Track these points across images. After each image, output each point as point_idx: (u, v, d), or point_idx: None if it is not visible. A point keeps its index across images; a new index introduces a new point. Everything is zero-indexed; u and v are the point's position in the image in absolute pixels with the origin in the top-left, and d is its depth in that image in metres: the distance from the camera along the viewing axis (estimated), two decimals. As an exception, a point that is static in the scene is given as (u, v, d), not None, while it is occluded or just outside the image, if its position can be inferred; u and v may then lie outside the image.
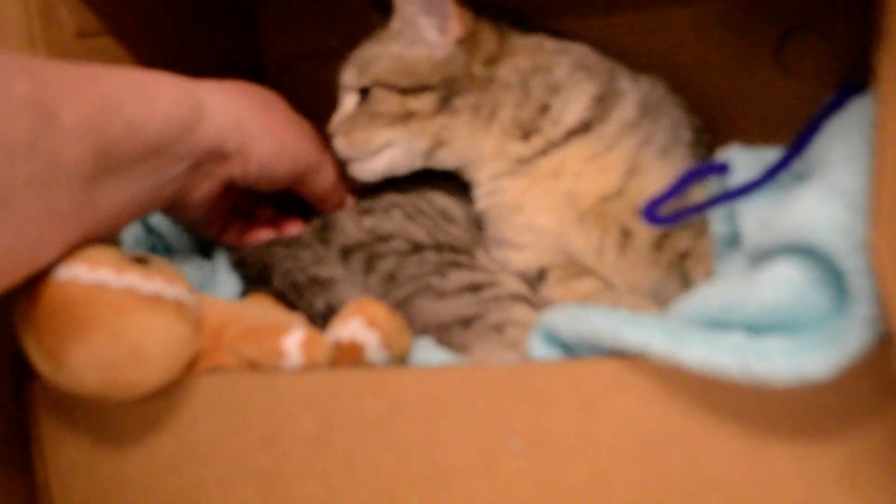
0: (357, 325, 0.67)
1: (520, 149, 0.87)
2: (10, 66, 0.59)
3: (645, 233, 0.80)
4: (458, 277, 0.79)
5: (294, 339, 0.64)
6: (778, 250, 0.53)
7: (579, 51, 0.90)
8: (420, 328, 0.77)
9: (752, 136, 0.81)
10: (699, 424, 0.57)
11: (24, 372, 0.66)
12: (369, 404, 0.62)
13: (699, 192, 0.73)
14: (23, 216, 0.58)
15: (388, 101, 0.88)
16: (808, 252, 0.52)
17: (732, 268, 0.59)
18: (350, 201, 0.93)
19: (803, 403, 0.55)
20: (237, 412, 0.64)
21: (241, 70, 1.10)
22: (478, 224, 0.91)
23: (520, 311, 0.77)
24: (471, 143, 0.88)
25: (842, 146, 0.55)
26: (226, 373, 0.65)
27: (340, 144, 0.90)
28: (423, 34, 0.88)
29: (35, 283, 0.62)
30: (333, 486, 0.63)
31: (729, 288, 0.55)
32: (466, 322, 0.77)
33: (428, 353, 0.71)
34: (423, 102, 0.87)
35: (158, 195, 0.71)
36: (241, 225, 0.89)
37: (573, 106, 0.86)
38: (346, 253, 0.83)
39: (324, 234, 0.86)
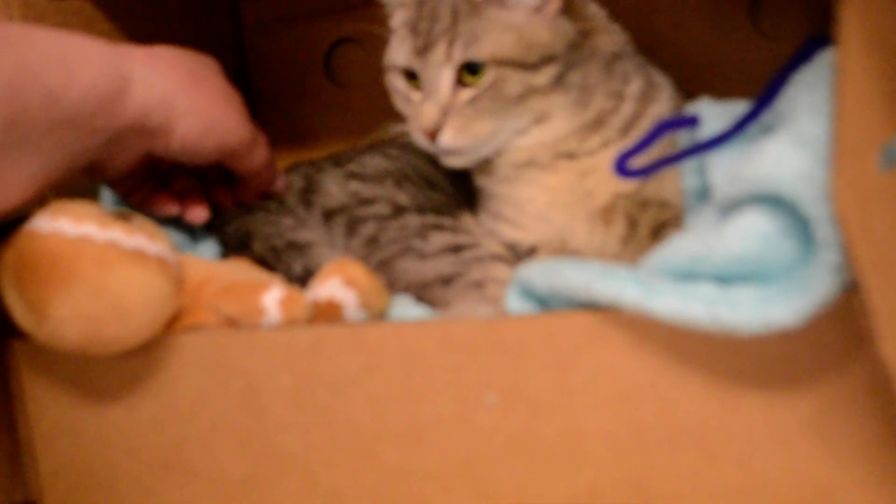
0: (335, 285, 0.67)
1: (578, 144, 0.82)
2: None
3: (647, 221, 0.81)
4: (439, 239, 0.80)
5: (273, 296, 0.65)
6: (746, 201, 0.54)
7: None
8: (401, 287, 0.77)
9: (728, 95, 0.82)
10: (671, 376, 0.58)
11: (5, 330, 0.67)
12: (347, 360, 0.63)
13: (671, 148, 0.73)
14: None
15: (512, 82, 0.79)
16: (774, 201, 0.52)
17: (703, 220, 0.60)
18: (281, 180, 0.90)
19: (772, 354, 0.55)
20: (217, 369, 0.65)
21: (218, 33, 1.10)
22: (464, 185, 0.91)
23: (499, 270, 0.77)
24: (560, 126, 0.81)
25: (808, 97, 0.56)
26: (206, 330, 0.66)
27: (450, 138, 0.80)
28: (527, 3, 0.79)
29: (18, 236, 0.62)
30: (312, 441, 0.64)
31: (699, 239, 0.56)
32: (447, 280, 0.77)
33: (405, 309, 0.72)
34: (545, 76, 0.79)
35: (69, 167, 0.68)
36: (150, 189, 0.86)
37: (629, 102, 0.83)
38: (329, 216, 0.84)
39: (307, 197, 0.87)
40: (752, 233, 0.53)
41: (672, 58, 0.91)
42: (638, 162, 0.68)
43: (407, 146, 0.92)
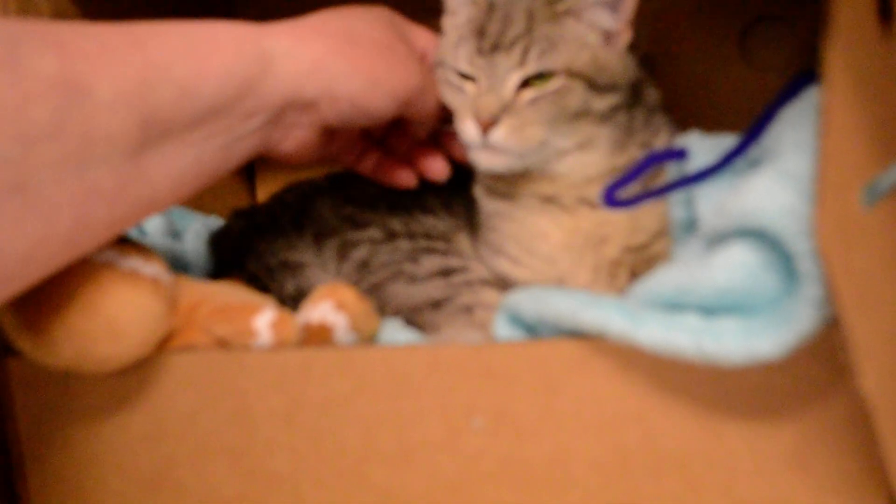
0: (327, 308, 0.68)
1: (601, 191, 0.78)
2: (33, 41, 0.54)
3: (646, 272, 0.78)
4: (430, 263, 0.80)
5: (265, 318, 0.66)
6: (732, 234, 0.55)
7: None
8: (392, 311, 0.78)
9: (718, 126, 0.83)
10: (656, 404, 0.58)
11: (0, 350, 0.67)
12: (337, 382, 0.63)
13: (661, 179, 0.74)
14: (52, 201, 0.54)
15: (575, 96, 0.76)
16: (759, 236, 0.53)
17: (689, 251, 0.61)
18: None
19: (756, 385, 0.56)
20: (208, 389, 0.65)
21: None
22: (461, 210, 0.90)
23: (489, 295, 0.78)
24: (596, 161, 0.78)
25: (794, 133, 0.57)
26: (198, 351, 0.66)
27: (503, 135, 0.76)
28: (603, 25, 0.77)
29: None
30: (302, 462, 0.65)
31: (684, 271, 0.57)
32: (437, 304, 0.78)
33: (395, 333, 0.73)
34: (605, 102, 0.77)
35: (230, 155, 0.67)
36: (378, 155, 0.85)
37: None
38: (320, 239, 0.84)
39: (299, 220, 0.87)
40: (737, 266, 0.54)
41: (662, 87, 0.91)
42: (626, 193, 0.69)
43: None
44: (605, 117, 0.77)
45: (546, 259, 0.80)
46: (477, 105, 0.76)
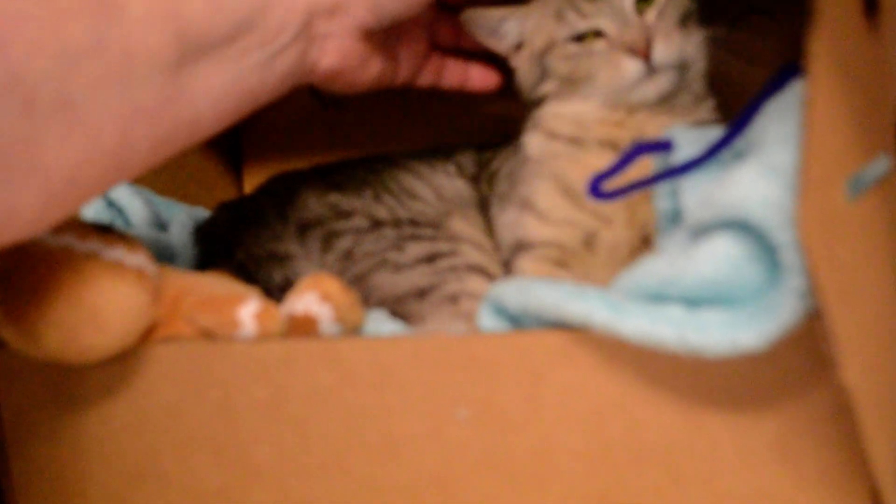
0: (311, 299, 0.68)
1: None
2: None
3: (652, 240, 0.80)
4: (415, 249, 0.80)
5: (249, 309, 0.66)
6: (716, 226, 0.55)
7: None
8: (376, 302, 0.78)
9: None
10: (640, 395, 0.59)
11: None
12: (321, 374, 0.63)
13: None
14: (96, 118, 0.54)
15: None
16: (743, 227, 0.53)
17: (674, 242, 0.61)
18: None
19: (739, 376, 0.57)
20: (193, 380, 0.65)
21: None
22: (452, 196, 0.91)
23: (475, 283, 0.78)
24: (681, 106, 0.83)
25: (778, 126, 0.57)
26: (182, 341, 0.66)
27: (664, 49, 0.79)
28: None
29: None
30: (286, 453, 0.65)
31: (669, 262, 0.57)
32: (422, 293, 0.78)
33: (380, 324, 0.73)
34: (693, 5, 0.84)
35: (268, 75, 0.66)
36: (447, 61, 0.84)
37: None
38: (304, 229, 0.84)
39: (283, 210, 0.87)
40: (721, 257, 0.54)
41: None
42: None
43: (394, 161, 0.92)
44: (698, 25, 0.83)
45: (574, 210, 0.82)
46: (623, 39, 0.79)
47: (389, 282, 0.79)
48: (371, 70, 0.75)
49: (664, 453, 0.59)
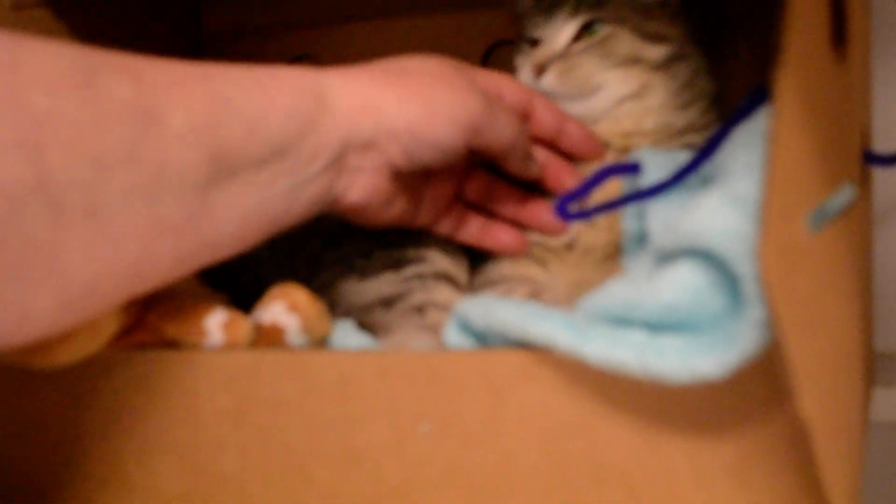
0: (279, 309, 0.68)
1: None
2: (108, 68, 0.54)
3: None
4: (381, 255, 0.80)
5: (216, 319, 0.66)
6: (680, 253, 0.55)
7: None
8: (343, 311, 0.78)
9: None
10: (600, 417, 0.59)
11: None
12: (286, 385, 0.64)
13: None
14: (122, 229, 0.53)
15: (624, 42, 0.82)
16: (706, 256, 0.54)
17: (640, 265, 0.61)
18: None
19: (698, 401, 0.57)
20: (158, 388, 0.65)
21: (177, 44, 1.10)
22: None
23: (442, 293, 0.78)
24: (656, 117, 0.82)
25: (744, 155, 0.58)
26: (148, 350, 0.66)
27: (552, 79, 0.81)
28: None
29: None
30: (249, 462, 0.65)
31: (633, 286, 0.57)
32: (388, 302, 0.78)
33: (346, 337, 0.73)
34: (655, 53, 0.83)
35: (294, 202, 0.65)
36: (481, 219, 0.82)
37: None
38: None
39: None
40: (683, 285, 0.54)
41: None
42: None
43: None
44: (659, 67, 0.82)
45: None
46: (534, 56, 0.82)
47: (355, 289, 0.79)
48: (394, 209, 0.75)
49: (623, 473, 0.60)
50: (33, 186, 0.48)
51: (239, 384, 0.64)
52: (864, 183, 0.76)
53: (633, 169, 0.66)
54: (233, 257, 0.64)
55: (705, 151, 0.62)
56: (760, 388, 0.56)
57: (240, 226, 0.61)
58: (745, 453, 0.57)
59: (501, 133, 0.73)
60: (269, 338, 0.67)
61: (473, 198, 0.83)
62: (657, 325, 0.56)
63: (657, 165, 0.66)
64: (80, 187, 0.50)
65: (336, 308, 0.78)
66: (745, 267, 0.51)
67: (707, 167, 0.63)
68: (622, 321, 0.57)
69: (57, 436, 0.68)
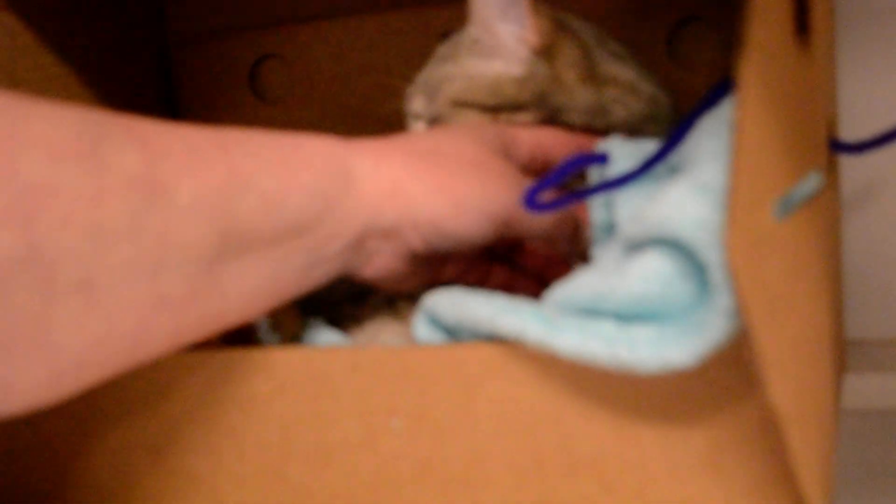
0: (249, 306, 0.68)
1: None
2: (117, 136, 0.51)
3: None
4: None
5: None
6: (648, 242, 0.55)
7: None
8: (314, 306, 0.78)
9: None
10: (572, 409, 0.59)
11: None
12: (257, 382, 0.63)
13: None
14: (118, 303, 0.51)
15: (475, 120, 0.81)
16: (674, 245, 0.54)
17: (608, 255, 0.61)
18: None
19: (670, 391, 0.57)
20: (129, 386, 0.65)
21: (142, 46, 1.10)
22: None
23: None
24: None
25: (710, 144, 0.58)
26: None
27: (410, 105, 0.84)
28: (501, 42, 0.81)
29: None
30: (221, 461, 0.65)
31: (601, 277, 0.57)
32: (359, 296, 0.78)
33: (317, 334, 0.73)
34: (526, 118, 0.80)
35: (307, 278, 0.64)
36: (507, 271, 0.80)
37: None
38: None
39: None
40: (651, 275, 0.54)
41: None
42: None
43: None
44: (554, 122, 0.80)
45: None
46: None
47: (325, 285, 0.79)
48: (411, 282, 0.73)
49: (596, 465, 0.60)
50: (23, 258, 0.46)
51: (209, 382, 0.64)
52: (831, 171, 0.76)
53: (600, 159, 0.66)
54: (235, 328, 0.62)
55: (672, 141, 0.62)
56: (731, 377, 0.56)
57: (247, 300, 0.60)
58: (718, 443, 0.57)
59: (534, 225, 0.72)
60: (239, 335, 0.67)
61: (499, 251, 0.81)
62: (627, 316, 0.56)
63: (625, 155, 0.66)
64: (73, 260, 0.48)
65: (307, 304, 0.77)
66: (712, 255, 0.51)
67: (674, 157, 0.63)
68: (591, 312, 0.57)
69: (24, 438, 0.68)
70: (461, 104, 0.81)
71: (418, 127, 0.86)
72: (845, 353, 0.92)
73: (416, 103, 0.86)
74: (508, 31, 0.80)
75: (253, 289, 0.59)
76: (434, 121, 0.84)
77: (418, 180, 0.66)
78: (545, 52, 0.80)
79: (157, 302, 0.53)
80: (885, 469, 0.69)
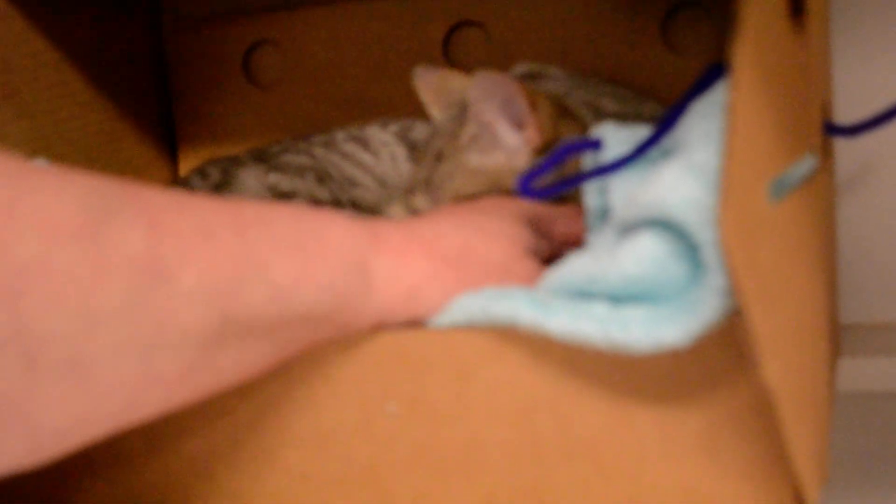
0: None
1: None
2: (124, 214, 0.49)
3: None
4: None
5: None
6: (641, 224, 0.55)
7: None
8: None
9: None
10: (568, 392, 0.59)
11: None
12: (252, 368, 0.63)
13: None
14: (105, 383, 0.49)
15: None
16: (667, 226, 0.54)
17: (602, 240, 0.61)
18: None
19: (665, 373, 0.57)
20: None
21: (136, 32, 1.09)
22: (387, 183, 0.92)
23: None
24: None
25: (703, 125, 0.58)
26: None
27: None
28: (501, 139, 0.80)
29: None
30: (217, 447, 0.65)
31: (595, 260, 0.57)
32: None
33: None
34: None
35: (306, 348, 0.61)
36: None
37: None
38: None
39: (220, 192, 0.87)
40: (645, 255, 0.54)
41: (584, 69, 0.92)
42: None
43: (332, 147, 0.92)
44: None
45: None
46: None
47: None
48: None
49: (592, 448, 0.60)
50: (7, 336, 0.44)
51: (204, 369, 0.64)
52: (826, 154, 0.76)
53: (594, 145, 0.66)
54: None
55: (665, 125, 0.62)
56: (726, 358, 0.56)
57: (243, 375, 0.57)
58: (713, 424, 0.57)
59: None
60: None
61: None
62: (620, 297, 0.56)
63: (619, 141, 0.66)
64: (61, 341, 0.46)
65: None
66: (705, 235, 0.51)
67: (667, 141, 0.63)
68: (586, 295, 0.57)
69: None
70: (465, 198, 0.80)
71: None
72: (840, 337, 0.92)
73: (419, 201, 0.84)
74: (509, 133, 0.80)
75: (250, 366, 0.57)
76: None
77: (439, 287, 0.64)
78: (547, 147, 0.80)
79: (149, 380, 0.51)
80: (881, 451, 0.69)
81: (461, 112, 0.84)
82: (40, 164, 0.84)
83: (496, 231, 0.70)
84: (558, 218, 0.75)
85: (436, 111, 0.86)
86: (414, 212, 0.84)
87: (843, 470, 0.65)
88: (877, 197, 0.95)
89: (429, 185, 0.83)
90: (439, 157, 0.83)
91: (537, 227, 0.73)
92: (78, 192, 0.48)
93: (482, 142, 0.80)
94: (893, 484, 0.63)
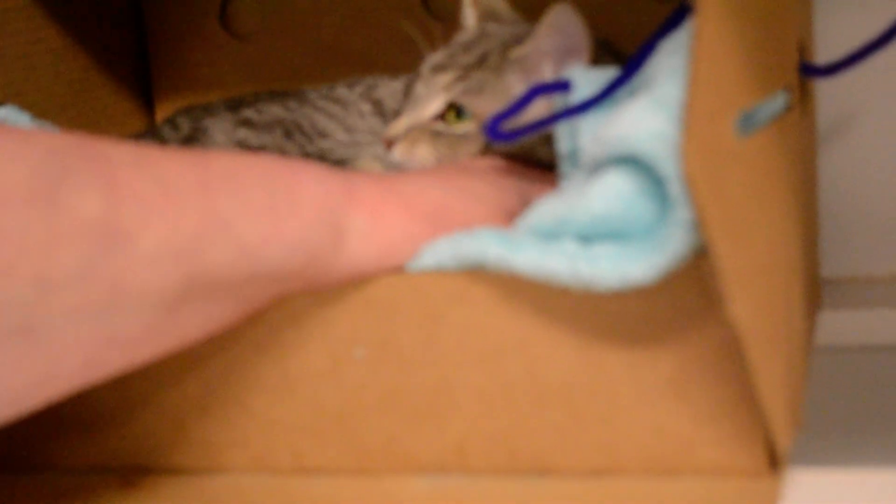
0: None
1: None
2: (81, 174, 0.48)
3: None
4: None
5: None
6: (607, 162, 0.55)
7: None
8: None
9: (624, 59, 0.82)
10: (538, 335, 0.59)
11: None
12: (220, 312, 0.63)
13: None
14: (60, 344, 0.48)
15: (475, 144, 0.79)
16: (633, 162, 0.53)
17: (573, 183, 0.61)
18: None
19: (635, 314, 0.57)
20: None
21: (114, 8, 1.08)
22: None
23: None
24: None
25: (669, 60, 0.57)
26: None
27: (397, 156, 0.80)
28: (544, 75, 0.79)
29: None
30: (186, 393, 0.65)
31: (563, 201, 0.57)
32: None
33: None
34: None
35: (268, 304, 0.60)
36: None
37: None
38: None
39: (189, 145, 0.86)
40: (612, 192, 0.54)
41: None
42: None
43: (306, 99, 0.92)
44: None
45: None
46: (393, 124, 0.81)
47: None
48: None
49: (563, 392, 0.59)
50: None
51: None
52: (805, 97, 0.75)
53: (563, 87, 0.65)
54: None
55: (633, 64, 0.61)
56: (696, 299, 0.55)
57: (207, 332, 0.57)
58: (683, 366, 0.57)
59: None
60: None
61: None
62: (589, 236, 0.55)
63: (588, 82, 0.65)
64: (14, 307, 0.45)
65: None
66: (670, 168, 0.50)
67: (636, 81, 0.62)
68: (555, 236, 0.57)
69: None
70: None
71: (432, 103, 0.81)
72: (821, 289, 0.91)
73: (443, 80, 0.81)
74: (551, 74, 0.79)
75: (216, 322, 0.57)
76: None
77: (414, 245, 0.62)
78: None
79: (107, 342, 0.50)
80: (865, 405, 0.69)
81: (514, 26, 0.84)
82: (11, 110, 0.84)
83: (480, 194, 0.69)
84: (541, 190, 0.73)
85: (471, 17, 0.85)
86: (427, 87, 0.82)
87: (825, 422, 0.65)
88: (860, 151, 0.95)
89: (467, 78, 0.79)
90: (484, 59, 0.80)
91: (527, 204, 0.71)
92: (33, 155, 0.47)
93: (527, 66, 0.79)
94: (876, 435, 0.63)
